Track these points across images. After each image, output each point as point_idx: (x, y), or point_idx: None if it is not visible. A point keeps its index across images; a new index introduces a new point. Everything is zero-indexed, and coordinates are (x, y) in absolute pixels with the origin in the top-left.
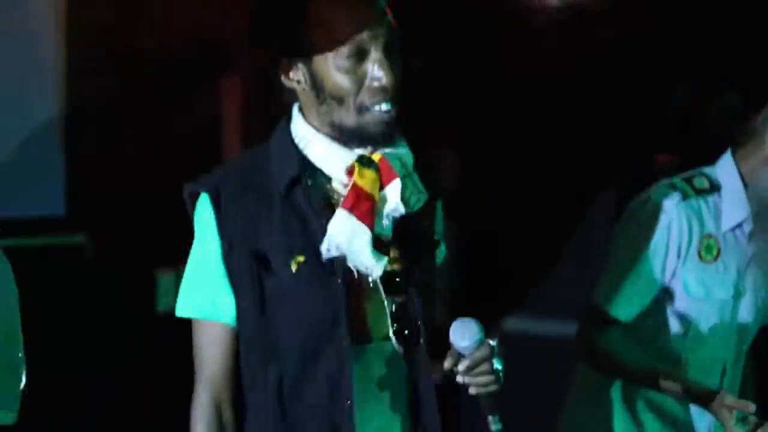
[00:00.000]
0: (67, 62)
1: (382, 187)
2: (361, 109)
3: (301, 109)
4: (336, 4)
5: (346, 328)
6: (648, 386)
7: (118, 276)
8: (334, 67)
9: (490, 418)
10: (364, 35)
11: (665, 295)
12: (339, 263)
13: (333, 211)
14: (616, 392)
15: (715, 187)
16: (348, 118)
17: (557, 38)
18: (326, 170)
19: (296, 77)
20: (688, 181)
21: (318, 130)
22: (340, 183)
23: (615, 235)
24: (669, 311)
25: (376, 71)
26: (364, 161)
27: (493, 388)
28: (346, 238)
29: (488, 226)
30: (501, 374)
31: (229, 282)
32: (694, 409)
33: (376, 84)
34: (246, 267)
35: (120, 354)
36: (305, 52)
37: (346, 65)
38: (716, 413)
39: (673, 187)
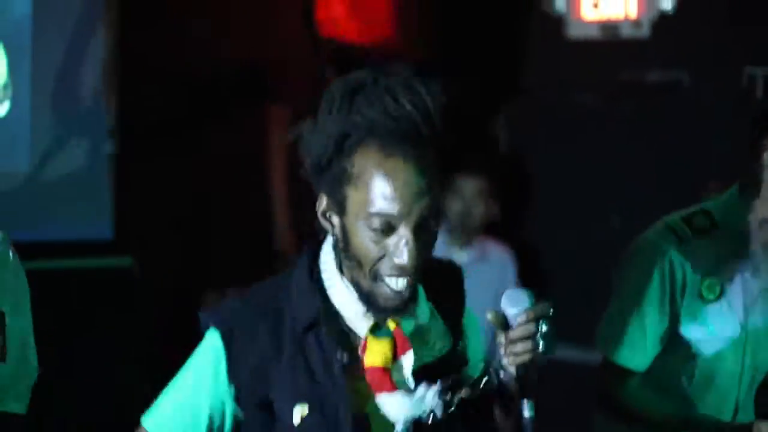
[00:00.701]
0: (118, 87)
1: (396, 357)
2: (376, 278)
3: (334, 247)
4: (378, 170)
5: None
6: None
7: (164, 298)
8: (360, 231)
9: (524, 402)
10: (396, 211)
11: (671, 338)
12: (348, 414)
13: (351, 351)
14: None
15: (716, 225)
16: (364, 282)
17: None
18: (345, 316)
19: (331, 220)
20: (688, 221)
21: (343, 275)
22: (357, 329)
23: (615, 279)
24: (676, 354)
25: (399, 250)
26: (376, 332)
27: (530, 355)
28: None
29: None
30: (547, 342)
31: (230, 424)
32: None
33: (396, 260)
34: (252, 415)
35: (168, 376)
36: (339, 204)
37: (371, 235)
38: None
39: (671, 230)
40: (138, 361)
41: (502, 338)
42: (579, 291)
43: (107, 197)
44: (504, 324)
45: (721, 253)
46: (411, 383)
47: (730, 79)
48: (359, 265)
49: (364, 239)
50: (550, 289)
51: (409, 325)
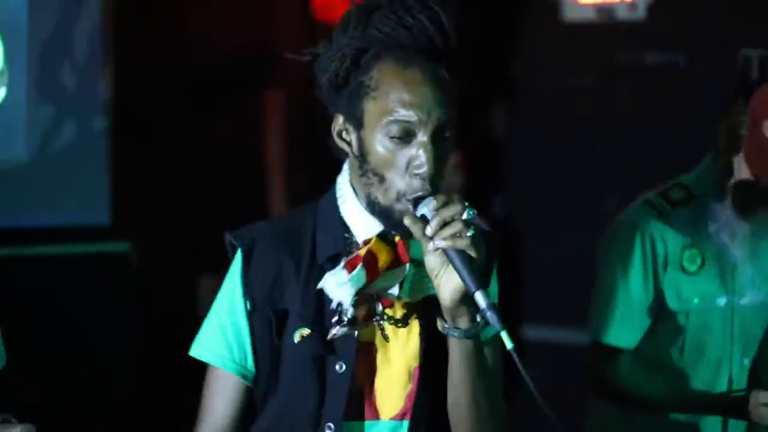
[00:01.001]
0: (114, 73)
1: (392, 266)
2: (399, 197)
3: (350, 167)
4: (396, 80)
5: (343, 412)
6: (675, 411)
7: (161, 282)
8: (380, 143)
9: (502, 335)
10: (415, 118)
11: (657, 313)
12: (347, 343)
13: None
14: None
15: (692, 196)
16: (383, 198)
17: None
18: (354, 233)
19: (348, 138)
20: (664, 194)
21: (356, 194)
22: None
23: (598, 259)
24: (663, 329)
25: (419, 158)
26: (383, 237)
27: (466, 239)
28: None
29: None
30: (476, 230)
31: (250, 341)
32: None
33: (416, 172)
34: (266, 330)
35: (163, 359)
36: (357, 118)
37: (390, 146)
38: (754, 415)
39: (648, 204)
40: (134, 347)
41: (427, 231)
42: (574, 274)
43: (104, 182)
44: (423, 221)
45: (700, 224)
46: (396, 292)
47: (726, 60)
48: (381, 180)
49: (383, 153)
50: (545, 271)
51: (418, 248)
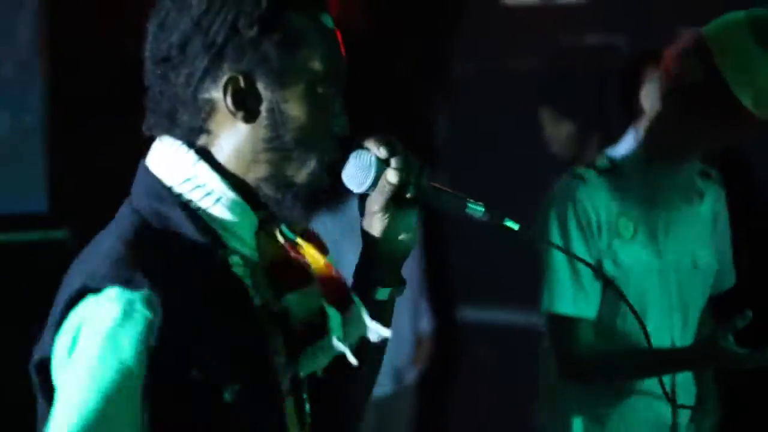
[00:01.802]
0: (51, 60)
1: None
2: (323, 164)
3: (209, 152)
4: (317, 32)
5: None
6: (644, 376)
7: None
8: (302, 100)
9: (469, 205)
10: (339, 72)
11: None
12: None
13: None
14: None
15: (616, 165)
16: (301, 174)
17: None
18: (239, 237)
19: (252, 103)
20: (590, 164)
21: (232, 185)
22: (247, 251)
23: (536, 234)
24: (606, 297)
25: (340, 116)
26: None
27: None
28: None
29: None
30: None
31: None
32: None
33: (337, 130)
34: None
35: None
36: (276, 77)
37: (315, 100)
38: (718, 360)
39: (574, 175)
40: None
41: (392, 177)
42: (524, 256)
43: (40, 169)
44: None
45: (627, 192)
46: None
47: (667, 41)
48: (307, 149)
49: (306, 108)
50: (496, 255)
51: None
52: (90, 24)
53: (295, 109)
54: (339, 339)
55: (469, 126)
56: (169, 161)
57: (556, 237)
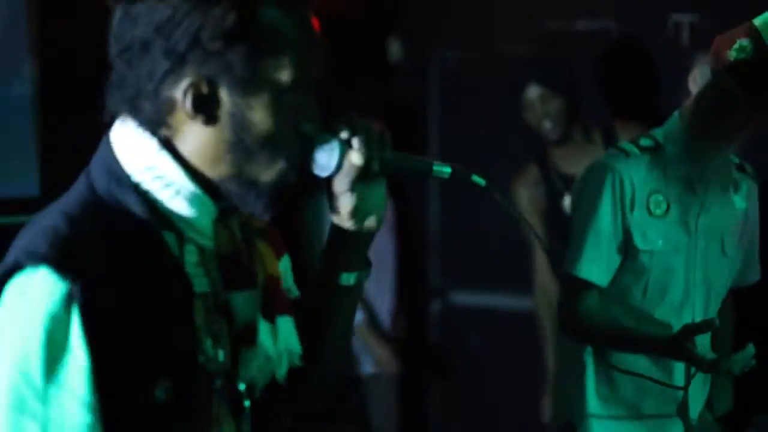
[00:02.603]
0: (41, 42)
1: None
2: (292, 163)
3: (171, 144)
4: (292, 17)
5: None
6: (625, 351)
7: None
8: (267, 102)
9: (434, 168)
10: (314, 70)
11: (626, 252)
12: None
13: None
14: (589, 357)
15: (660, 145)
16: (266, 174)
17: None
18: (197, 229)
19: (213, 107)
20: (634, 141)
21: (193, 178)
22: (205, 242)
23: (572, 201)
24: (630, 269)
25: (310, 116)
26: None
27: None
28: None
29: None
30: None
31: None
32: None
33: (308, 130)
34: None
35: None
36: (244, 79)
37: (280, 98)
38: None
39: (618, 148)
40: None
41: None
42: (514, 242)
43: (33, 153)
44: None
45: (667, 171)
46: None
47: (657, 26)
48: (274, 149)
49: (271, 115)
50: (486, 242)
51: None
52: (84, 4)
53: (259, 116)
54: (269, 353)
55: (459, 110)
56: (130, 144)
57: (587, 202)
